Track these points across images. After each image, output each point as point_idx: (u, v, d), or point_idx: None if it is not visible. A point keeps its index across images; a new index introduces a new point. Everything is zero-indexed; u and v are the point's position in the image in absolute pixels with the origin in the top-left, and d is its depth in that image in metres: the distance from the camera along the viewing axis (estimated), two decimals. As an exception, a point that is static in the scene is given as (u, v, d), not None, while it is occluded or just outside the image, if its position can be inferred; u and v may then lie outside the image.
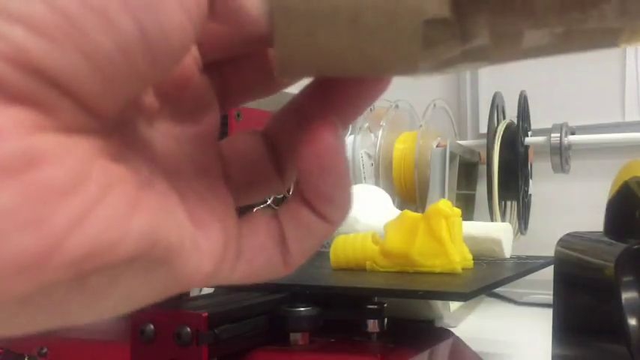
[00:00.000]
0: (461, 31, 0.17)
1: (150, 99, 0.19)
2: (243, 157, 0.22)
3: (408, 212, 0.61)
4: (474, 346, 0.59)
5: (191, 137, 0.20)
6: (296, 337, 0.48)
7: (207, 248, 0.19)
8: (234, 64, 0.21)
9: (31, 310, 0.15)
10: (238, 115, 0.70)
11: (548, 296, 0.57)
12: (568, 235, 0.57)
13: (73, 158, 0.15)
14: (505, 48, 0.18)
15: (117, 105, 0.16)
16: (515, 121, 1.05)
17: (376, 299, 0.51)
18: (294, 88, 0.21)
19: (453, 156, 0.99)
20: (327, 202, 0.20)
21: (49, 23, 0.14)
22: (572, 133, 1.04)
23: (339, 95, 0.20)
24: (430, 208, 0.59)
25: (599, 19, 0.17)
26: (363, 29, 0.16)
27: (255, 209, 0.21)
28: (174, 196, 0.18)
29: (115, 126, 0.17)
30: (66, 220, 0.14)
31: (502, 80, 1.19)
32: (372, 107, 1.09)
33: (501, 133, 1.02)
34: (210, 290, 0.63)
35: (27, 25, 0.13)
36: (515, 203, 1.09)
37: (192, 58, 0.19)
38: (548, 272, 0.59)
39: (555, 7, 0.16)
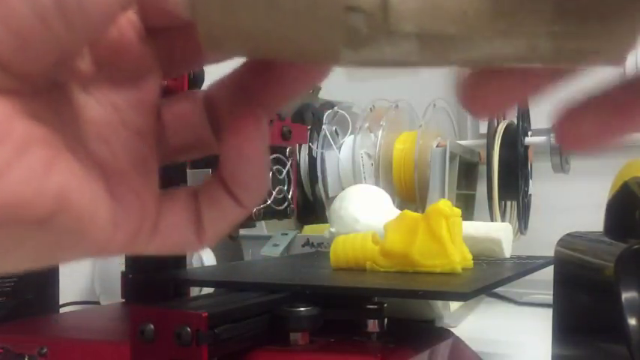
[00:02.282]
0: (387, 29, 0.16)
1: (85, 64, 0.19)
2: (182, 121, 0.22)
3: (408, 212, 0.61)
4: (474, 346, 0.59)
5: (130, 103, 0.20)
6: (296, 337, 0.48)
7: (122, 222, 0.19)
8: (179, 31, 0.21)
9: None
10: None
11: (548, 296, 0.57)
12: (568, 235, 0.57)
13: None
14: (432, 55, 0.17)
15: (39, 68, 0.16)
16: (515, 121, 1.05)
17: (376, 299, 0.51)
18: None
19: (453, 156, 0.99)
20: (243, 188, 0.21)
21: None
22: (573, 133, 1.04)
23: (278, 78, 0.21)
24: (430, 208, 0.59)
25: (529, 35, 0.16)
26: (282, 13, 0.16)
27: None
28: (97, 166, 0.19)
29: (45, 88, 0.17)
30: None
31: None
32: (372, 107, 1.09)
33: (501, 133, 1.02)
34: (210, 290, 0.63)
35: None
36: (515, 203, 1.09)
37: (129, 24, 0.19)
38: (548, 272, 0.59)
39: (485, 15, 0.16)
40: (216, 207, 0.21)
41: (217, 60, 0.22)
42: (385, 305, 0.51)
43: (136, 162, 0.20)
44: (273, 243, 0.96)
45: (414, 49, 0.17)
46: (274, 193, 0.68)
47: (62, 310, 0.72)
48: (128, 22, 0.19)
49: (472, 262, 0.61)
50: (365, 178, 1.01)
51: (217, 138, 0.22)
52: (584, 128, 0.19)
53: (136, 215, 0.20)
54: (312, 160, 1.05)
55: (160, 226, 0.21)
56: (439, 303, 0.63)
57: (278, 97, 0.21)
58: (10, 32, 0.15)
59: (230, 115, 0.20)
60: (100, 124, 0.20)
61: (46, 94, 0.17)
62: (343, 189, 0.84)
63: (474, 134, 1.26)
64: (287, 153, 0.70)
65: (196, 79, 0.58)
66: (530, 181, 1.11)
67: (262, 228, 1.03)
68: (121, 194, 0.19)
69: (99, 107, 0.20)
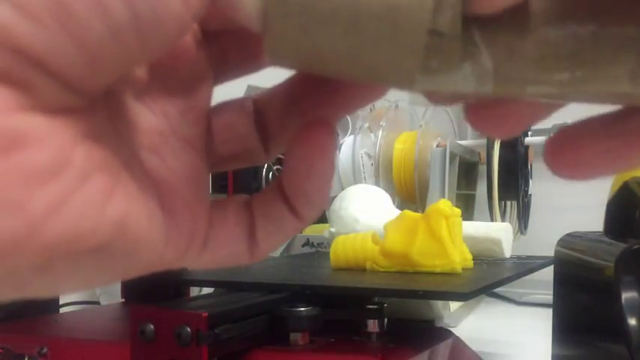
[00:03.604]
0: (465, 59, 0.16)
1: (140, 71, 0.18)
2: (231, 130, 0.21)
3: (408, 212, 0.61)
4: (474, 346, 0.59)
5: (182, 111, 0.20)
6: (296, 337, 0.48)
7: (174, 238, 0.18)
8: (235, 35, 0.20)
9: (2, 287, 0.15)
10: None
11: (548, 296, 0.57)
12: (568, 235, 0.57)
13: (55, 141, 0.14)
14: (502, 91, 0.17)
15: (102, 83, 0.15)
16: (515, 121, 1.05)
17: (376, 299, 0.51)
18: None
19: (453, 156, 0.99)
20: (306, 202, 0.20)
21: (36, 4, 0.13)
22: (573, 133, 1.04)
23: (335, 93, 0.20)
24: (430, 208, 0.59)
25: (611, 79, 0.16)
26: (361, 36, 0.15)
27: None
28: (151, 181, 0.18)
29: (99, 100, 0.16)
30: (44, 205, 0.14)
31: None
32: (372, 107, 1.09)
33: (501, 133, 1.02)
34: (211, 290, 0.63)
35: (14, 4, 0.13)
36: (515, 203, 1.09)
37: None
38: (548, 272, 0.59)
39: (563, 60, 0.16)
40: (273, 220, 0.20)
41: (270, 65, 0.22)
42: (385, 305, 0.51)
43: (187, 173, 0.19)
44: (273, 243, 0.95)
45: (488, 83, 0.17)
46: (274, 193, 0.68)
47: (62, 310, 0.72)
48: None
49: (472, 262, 0.61)
50: (365, 178, 1.01)
51: (264, 148, 0.22)
52: (584, 155, 0.19)
53: (187, 230, 0.19)
54: (312, 160, 1.05)
55: (211, 239, 0.20)
56: (439, 303, 0.63)
57: (332, 112, 0.20)
58: (80, 48, 0.14)
59: (300, 126, 0.19)
60: (153, 133, 0.19)
61: (102, 105, 0.16)
62: (343, 189, 0.84)
63: (474, 134, 1.26)
64: (287, 153, 0.70)
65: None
66: (530, 181, 1.11)
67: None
68: (173, 208, 0.19)
69: (151, 116, 0.19)
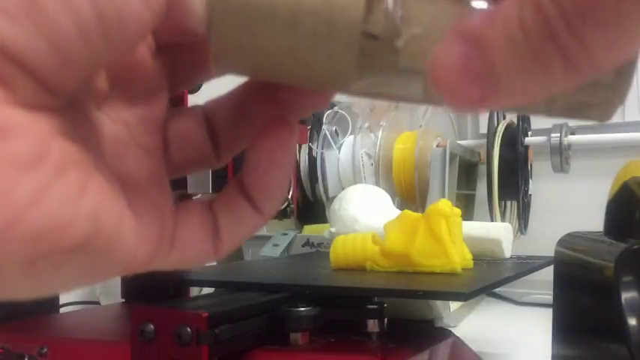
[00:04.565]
0: (396, 62, 0.17)
1: (101, 82, 0.19)
2: (187, 139, 0.22)
3: (408, 212, 0.61)
4: (474, 346, 0.59)
5: (140, 120, 0.20)
6: (296, 337, 0.48)
7: (143, 238, 0.19)
8: (185, 47, 0.21)
9: None
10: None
11: (548, 296, 0.57)
12: (568, 235, 0.57)
13: (34, 134, 0.15)
14: (435, 98, 0.17)
15: (72, 84, 0.16)
16: (515, 121, 1.05)
17: (376, 299, 0.51)
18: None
19: (453, 156, 0.99)
20: (266, 195, 0.21)
21: (10, 3, 0.14)
22: (572, 133, 1.04)
23: (280, 102, 0.21)
24: (430, 208, 0.59)
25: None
26: (300, 33, 0.16)
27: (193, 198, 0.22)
28: (117, 183, 0.19)
29: (67, 107, 0.17)
30: (27, 194, 0.15)
31: (502, 80, 1.18)
32: (372, 107, 1.09)
33: (501, 133, 1.02)
34: (211, 290, 0.63)
35: None
36: (515, 203, 1.09)
37: (145, 42, 0.20)
38: (548, 272, 0.59)
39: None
40: (234, 215, 0.21)
41: (220, 75, 0.22)
42: (385, 305, 0.51)
43: (150, 178, 0.20)
44: (273, 243, 0.95)
45: (418, 88, 0.17)
46: (274, 193, 0.68)
47: (62, 310, 0.72)
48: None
49: (472, 262, 0.61)
50: (365, 178, 1.01)
51: (216, 155, 0.22)
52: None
53: (155, 230, 0.20)
54: (312, 160, 1.05)
55: (177, 239, 0.21)
56: (439, 303, 0.63)
57: (276, 107, 0.21)
58: (51, 46, 0.15)
59: (263, 123, 0.20)
60: (115, 141, 0.20)
61: (70, 111, 0.17)
62: (343, 189, 0.84)
63: (474, 134, 1.26)
64: (287, 153, 0.70)
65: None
66: (530, 181, 1.11)
67: (262, 228, 1.02)
68: (141, 210, 0.19)
69: (112, 125, 0.20)
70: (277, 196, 0.21)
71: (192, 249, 0.21)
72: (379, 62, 0.17)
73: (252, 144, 0.20)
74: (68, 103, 0.17)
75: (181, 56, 0.21)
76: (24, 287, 0.17)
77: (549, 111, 0.18)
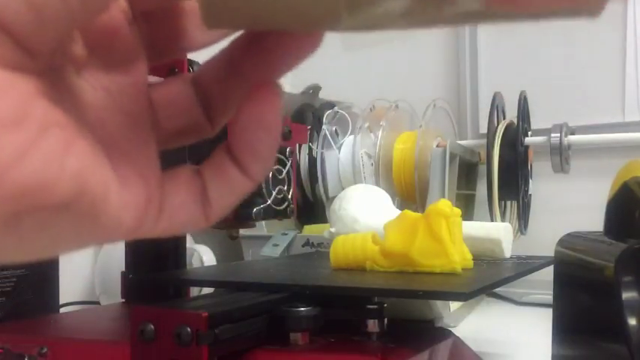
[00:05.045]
0: None
1: (78, 49, 0.19)
2: (174, 105, 0.22)
3: (408, 212, 0.61)
4: (474, 346, 0.59)
5: (121, 87, 0.21)
6: (296, 337, 0.48)
7: (130, 204, 0.19)
8: (162, 16, 0.21)
9: None
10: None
11: (548, 296, 0.57)
12: (568, 235, 0.58)
13: (15, 94, 0.15)
14: (428, 10, 0.17)
15: (50, 44, 0.16)
16: (515, 121, 1.05)
17: (376, 299, 0.51)
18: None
19: (453, 156, 0.99)
20: (255, 158, 0.21)
21: None
22: (572, 133, 1.04)
23: (271, 50, 0.21)
24: (430, 208, 0.59)
25: None
26: None
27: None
28: (101, 148, 0.19)
29: (47, 72, 0.17)
30: (9, 153, 0.15)
31: (502, 80, 1.19)
32: (372, 107, 1.09)
33: (501, 133, 1.02)
34: (211, 290, 0.63)
35: None
36: (515, 203, 1.09)
37: (119, 9, 0.20)
38: (548, 272, 0.59)
39: None
40: (223, 180, 0.21)
41: (199, 47, 0.22)
42: (385, 305, 0.51)
43: (135, 144, 0.20)
44: (273, 243, 0.96)
45: (409, 4, 0.17)
46: (274, 193, 0.68)
47: (62, 310, 0.72)
48: (117, 6, 0.20)
49: (472, 262, 0.61)
50: (365, 178, 1.01)
51: (209, 120, 0.23)
52: None
53: (141, 197, 0.20)
54: (312, 160, 1.05)
55: (166, 206, 0.21)
56: (439, 303, 0.63)
57: (271, 70, 0.21)
58: (27, 4, 0.15)
59: (250, 88, 0.21)
60: (97, 108, 0.20)
61: (51, 76, 0.17)
62: (343, 189, 0.84)
63: (474, 134, 1.26)
64: (287, 153, 0.70)
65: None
66: (530, 181, 1.11)
67: (262, 228, 1.03)
68: (126, 176, 0.20)
69: (93, 91, 0.20)
70: (266, 158, 0.21)
71: (181, 215, 0.21)
72: None
73: (240, 108, 0.20)
74: (48, 68, 0.17)
75: (158, 25, 0.21)
76: (11, 246, 0.17)
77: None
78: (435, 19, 0.18)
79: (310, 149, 1.05)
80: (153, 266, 0.68)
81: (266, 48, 0.21)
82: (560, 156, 1.03)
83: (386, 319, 0.51)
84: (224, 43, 0.22)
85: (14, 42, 0.15)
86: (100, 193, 0.18)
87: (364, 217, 0.74)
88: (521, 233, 1.09)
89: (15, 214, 0.16)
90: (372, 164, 1.03)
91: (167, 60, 0.23)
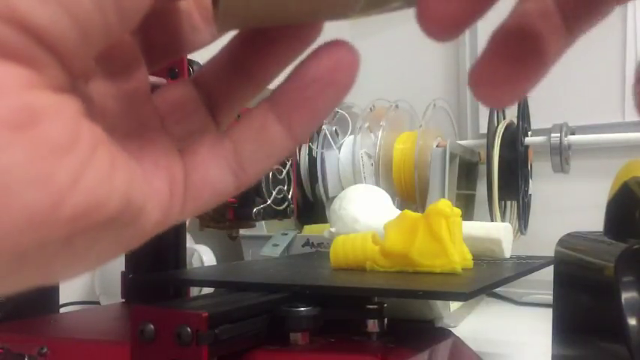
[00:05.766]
0: None
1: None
2: (177, 109, 0.22)
3: (408, 212, 0.61)
4: (474, 346, 0.59)
5: (125, 94, 0.20)
6: (296, 337, 0.48)
7: (156, 199, 0.19)
8: (156, 19, 0.21)
9: (26, 268, 0.16)
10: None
11: (548, 296, 0.57)
12: (568, 235, 0.58)
13: (66, 116, 0.15)
14: None
15: (88, 62, 0.16)
16: (515, 121, 1.05)
17: (376, 299, 0.51)
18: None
19: (453, 156, 0.99)
20: (310, 119, 0.20)
21: None
22: (572, 133, 1.04)
23: (274, 42, 0.21)
24: (430, 208, 0.59)
25: None
26: None
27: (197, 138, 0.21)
28: (127, 153, 0.19)
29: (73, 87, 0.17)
30: (67, 176, 0.15)
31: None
32: (372, 107, 1.09)
33: (501, 133, 1.02)
34: (211, 290, 0.63)
35: None
36: (515, 203, 1.09)
37: None
38: (548, 272, 0.59)
39: None
40: (263, 141, 0.20)
41: (196, 48, 0.22)
42: (385, 305, 0.51)
43: (150, 139, 0.20)
44: (273, 243, 0.96)
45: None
46: (274, 193, 0.68)
47: (62, 310, 0.72)
48: None
49: (472, 262, 0.61)
50: (365, 178, 1.01)
51: (215, 121, 0.22)
52: (497, 76, 0.19)
53: (165, 187, 0.19)
54: (312, 160, 1.05)
55: (190, 186, 0.20)
56: (439, 303, 0.63)
57: (274, 64, 0.21)
58: (73, 21, 0.15)
59: (255, 80, 0.20)
60: (111, 114, 0.20)
61: (76, 91, 0.17)
62: (343, 189, 0.84)
63: (474, 134, 1.26)
64: (287, 153, 0.70)
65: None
66: (530, 181, 1.11)
67: (262, 228, 1.03)
68: (148, 171, 0.19)
69: (103, 100, 0.20)
70: (322, 118, 0.20)
71: (206, 191, 0.20)
72: None
73: (308, 63, 0.19)
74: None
75: (153, 29, 0.21)
76: (64, 265, 0.17)
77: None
78: None
79: (310, 149, 1.05)
80: (153, 266, 0.68)
81: (269, 41, 0.21)
82: (560, 156, 1.03)
83: (386, 319, 0.51)
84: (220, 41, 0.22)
85: (60, 62, 0.15)
86: (141, 200, 0.17)
87: (364, 217, 0.74)
88: (521, 233, 1.09)
89: (68, 237, 0.15)
90: (372, 164, 1.03)
91: (164, 64, 0.23)
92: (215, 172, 0.20)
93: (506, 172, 1.01)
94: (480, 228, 0.71)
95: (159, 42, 0.22)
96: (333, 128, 1.08)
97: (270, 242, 0.96)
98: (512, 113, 1.08)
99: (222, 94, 0.22)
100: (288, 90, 0.20)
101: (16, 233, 0.14)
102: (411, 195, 1.03)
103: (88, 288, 0.95)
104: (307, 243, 0.91)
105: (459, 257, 0.57)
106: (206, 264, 0.87)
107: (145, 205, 0.18)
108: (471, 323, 0.85)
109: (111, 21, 0.15)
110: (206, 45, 0.22)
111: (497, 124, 1.05)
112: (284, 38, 0.21)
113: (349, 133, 1.05)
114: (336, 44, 0.19)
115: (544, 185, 1.16)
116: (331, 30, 0.20)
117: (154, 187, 0.19)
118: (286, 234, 0.97)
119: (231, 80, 0.22)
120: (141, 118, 0.21)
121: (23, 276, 0.16)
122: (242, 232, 0.94)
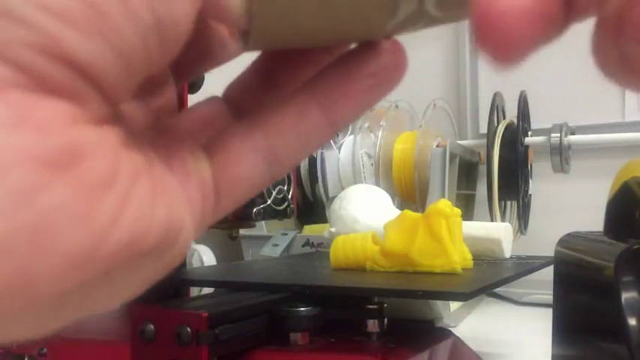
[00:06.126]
0: None
1: None
2: (211, 127, 0.21)
3: (408, 212, 0.61)
4: (474, 346, 0.59)
5: (156, 112, 0.20)
6: (296, 337, 0.48)
7: (191, 212, 0.18)
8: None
9: (67, 306, 0.15)
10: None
11: (548, 296, 0.57)
12: (568, 235, 0.57)
13: (107, 149, 0.15)
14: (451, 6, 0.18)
15: (128, 93, 0.16)
16: (515, 121, 1.05)
17: (376, 299, 0.51)
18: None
19: (453, 156, 0.99)
20: (357, 109, 0.20)
21: (77, 13, 0.14)
22: (572, 133, 1.04)
23: (304, 55, 0.21)
24: (430, 208, 0.59)
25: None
26: (335, 7, 0.17)
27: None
28: (168, 174, 0.18)
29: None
30: (108, 212, 0.14)
31: (502, 80, 1.19)
32: (371, 107, 1.09)
33: (501, 133, 1.02)
34: (211, 290, 0.63)
35: (58, 15, 0.13)
36: (515, 203, 1.09)
37: None
38: (548, 272, 0.59)
39: None
40: (300, 129, 0.19)
41: (219, 63, 0.22)
42: (385, 305, 0.51)
43: (181, 153, 0.19)
44: (273, 243, 0.95)
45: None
46: (274, 193, 0.68)
47: (62, 310, 0.72)
48: None
49: (472, 262, 0.61)
50: (365, 178, 1.01)
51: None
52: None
53: (197, 196, 0.19)
54: (312, 160, 1.05)
55: (222, 184, 0.19)
56: (439, 303, 0.63)
57: (304, 74, 0.21)
58: (115, 55, 0.14)
59: (283, 91, 0.20)
60: (147, 135, 0.19)
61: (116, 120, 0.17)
62: (343, 189, 0.84)
63: (473, 134, 1.26)
64: (287, 153, 0.70)
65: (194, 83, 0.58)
66: (530, 181, 1.11)
67: (262, 228, 1.03)
68: (185, 187, 0.18)
69: (138, 120, 0.19)
70: (364, 113, 0.20)
71: (242, 186, 0.19)
72: (406, 6, 0.17)
73: (367, 52, 0.19)
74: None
75: (183, 48, 0.21)
76: (105, 297, 0.16)
77: None
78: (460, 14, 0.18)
79: (310, 149, 1.05)
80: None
81: (298, 54, 0.21)
82: (560, 156, 1.03)
83: (386, 319, 0.51)
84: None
85: (102, 94, 0.15)
86: (180, 222, 0.17)
87: (364, 217, 0.74)
88: (521, 233, 1.09)
89: (107, 272, 0.15)
90: (372, 164, 1.03)
91: (191, 79, 0.23)
92: (248, 166, 0.19)
93: (506, 172, 1.01)
94: (480, 228, 0.71)
95: (188, 59, 0.21)
96: (333, 128, 1.08)
97: (270, 242, 0.96)
98: (512, 113, 1.08)
99: (252, 106, 0.22)
100: (337, 80, 0.19)
101: (58, 275, 0.14)
102: (411, 195, 1.03)
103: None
104: (307, 243, 0.91)
105: (459, 257, 0.57)
106: (206, 264, 0.87)
107: (184, 224, 0.17)
108: (470, 323, 0.85)
109: (153, 52, 0.15)
110: (233, 58, 0.22)
111: (497, 124, 1.05)
112: (313, 52, 0.20)
113: (349, 133, 1.05)
114: (396, 44, 0.20)
115: (544, 185, 1.15)
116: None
117: (189, 198, 0.18)
118: (286, 234, 0.97)
119: (261, 91, 0.22)
120: (172, 133, 0.20)
121: (64, 313, 0.16)
122: (242, 232, 0.94)
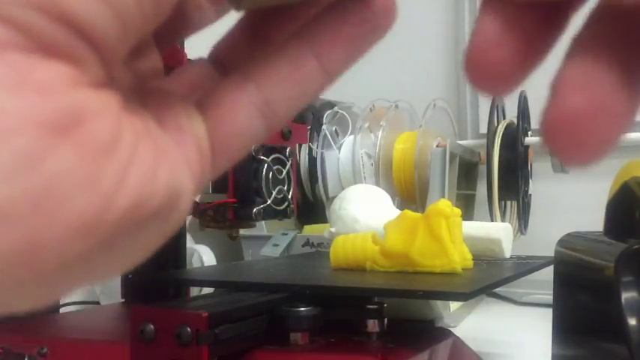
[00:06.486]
0: None
1: None
2: (199, 89, 0.21)
3: (408, 212, 0.61)
4: (474, 346, 0.59)
5: (143, 76, 0.20)
6: (296, 337, 0.48)
7: (190, 172, 0.18)
8: None
9: (69, 274, 0.15)
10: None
11: (548, 296, 0.57)
12: (568, 235, 0.57)
13: (109, 113, 0.15)
14: None
15: (123, 55, 0.16)
16: (515, 121, 1.05)
17: (376, 299, 0.51)
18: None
19: (453, 156, 0.99)
20: (352, 56, 0.19)
21: None
22: (572, 133, 1.04)
23: (295, 9, 0.21)
24: (430, 208, 0.59)
25: None
26: None
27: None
28: (166, 136, 0.18)
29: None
30: (113, 177, 0.14)
31: (502, 80, 1.18)
32: (372, 107, 1.08)
33: (501, 133, 1.02)
34: (211, 290, 0.63)
35: None
36: (515, 203, 1.09)
37: None
38: (548, 272, 0.59)
39: None
40: (296, 79, 0.19)
41: (199, 28, 0.22)
42: (385, 305, 0.51)
43: (173, 112, 0.19)
44: (273, 243, 0.95)
45: None
46: (274, 193, 0.68)
47: (62, 310, 0.72)
48: None
49: (472, 262, 0.61)
50: (365, 178, 1.01)
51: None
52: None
53: (193, 155, 0.18)
54: (312, 160, 1.05)
55: (218, 138, 0.19)
56: (439, 303, 0.63)
57: (293, 25, 0.21)
58: (114, 14, 0.14)
59: (273, 43, 0.20)
60: (139, 97, 0.19)
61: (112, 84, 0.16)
62: (343, 189, 0.84)
63: (473, 134, 1.26)
64: (287, 153, 0.70)
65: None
66: (530, 181, 1.11)
67: (262, 228, 1.03)
68: (181, 147, 0.18)
69: (129, 83, 0.19)
70: (357, 60, 0.20)
71: (237, 141, 0.19)
72: None
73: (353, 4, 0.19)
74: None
75: None
76: (107, 263, 0.16)
77: None
78: None
79: (310, 149, 1.05)
80: (153, 266, 0.68)
81: (287, 7, 0.20)
82: (560, 156, 1.03)
83: (386, 319, 0.51)
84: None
85: (101, 56, 0.15)
86: (181, 183, 0.17)
87: (364, 217, 0.74)
88: (521, 233, 1.09)
89: (110, 239, 0.15)
90: (372, 164, 1.03)
91: (168, 46, 0.22)
92: (242, 119, 0.19)
93: (506, 172, 1.01)
94: (480, 228, 0.71)
95: (166, 24, 0.21)
96: (333, 128, 1.08)
97: (270, 242, 0.96)
98: (512, 113, 1.08)
99: (242, 61, 0.21)
100: (331, 27, 0.19)
101: (64, 242, 0.14)
102: (411, 195, 1.03)
103: (88, 288, 0.95)
104: (307, 243, 0.91)
105: (459, 257, 0.57)
106: (206, 264, 0.87)
107: (185, 186, 0.17)
108: (470, 323, 0.85)
109: (147, 12, 0.15)
110: (210, 24, 0.21)
111: (497, 124, 1.05)
112: (303, 4, 0.20)
113: (349, 133, 1.05)
114: None
115: (544, 185, 1.15)
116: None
117: (187, 159, 0.18)
118: (286, 234, 0.97)
119: (250, 47, 0.21)
120: (157, 94, 0.20)
121: (67, 281, 0.15)
122: (242, 232, 0.94)
